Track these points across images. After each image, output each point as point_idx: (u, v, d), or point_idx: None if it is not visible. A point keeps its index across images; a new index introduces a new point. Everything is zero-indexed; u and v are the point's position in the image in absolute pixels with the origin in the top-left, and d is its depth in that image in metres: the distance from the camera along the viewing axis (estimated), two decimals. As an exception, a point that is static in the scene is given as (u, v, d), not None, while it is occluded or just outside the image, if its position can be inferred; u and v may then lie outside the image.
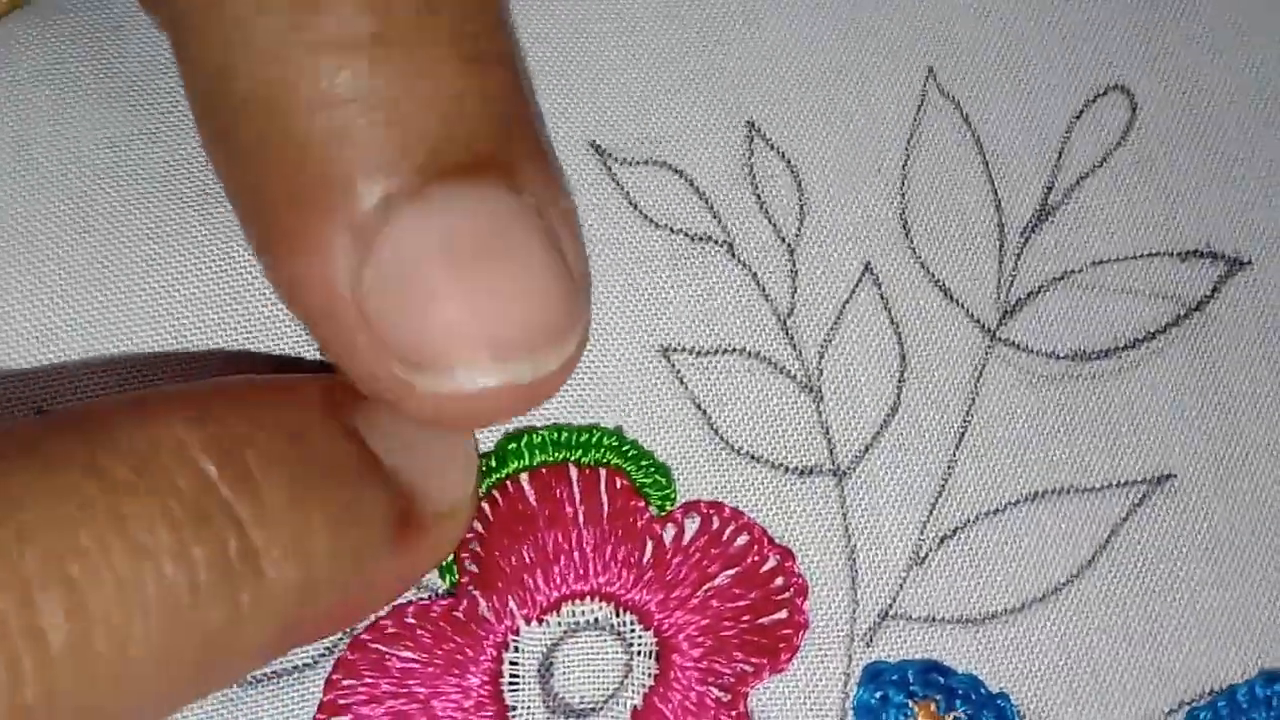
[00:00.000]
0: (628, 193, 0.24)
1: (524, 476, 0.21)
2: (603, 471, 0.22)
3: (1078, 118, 0.25)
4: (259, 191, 0.19)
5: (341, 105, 0.18)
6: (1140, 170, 0.25)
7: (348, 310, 0.18)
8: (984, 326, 0.24)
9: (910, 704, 0.21)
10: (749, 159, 0.24)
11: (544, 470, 0.22)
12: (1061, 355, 0.24)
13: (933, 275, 0.24)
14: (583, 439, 0.22)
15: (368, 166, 0.18)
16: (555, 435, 0.22)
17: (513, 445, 0.22)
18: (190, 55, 0.19)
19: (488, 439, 0.22)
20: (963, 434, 0.23)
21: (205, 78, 0.19)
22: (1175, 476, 0.23)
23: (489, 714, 0.21)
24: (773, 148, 0.24)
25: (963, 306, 0.24)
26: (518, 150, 0.19)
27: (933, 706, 0.22)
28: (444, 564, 0.21)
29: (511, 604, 0.21)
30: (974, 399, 0.23)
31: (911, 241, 0.24)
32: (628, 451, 0.22)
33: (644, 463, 0.22)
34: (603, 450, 0.22)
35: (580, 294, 0.19)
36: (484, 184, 0.18)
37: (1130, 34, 0.26)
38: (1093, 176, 0.25)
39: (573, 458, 0.22)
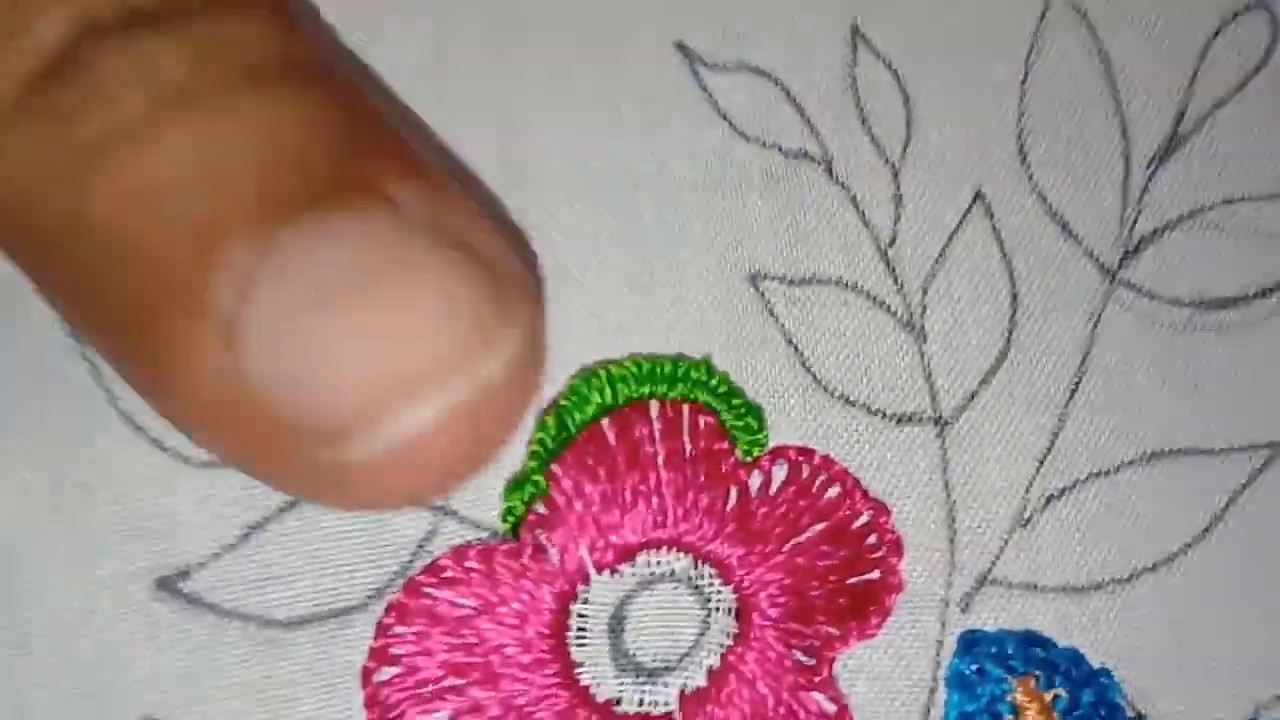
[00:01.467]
0: (716, 101, 0.21)
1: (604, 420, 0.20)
2: (686, 408, 0.20)
3: (1215, 37, 0.23)
4: (99, 323, 0.16)
5: (150, 189, 0.15)
6: (1281, 98, 0.23)
7: (239, 408, 0.15)
8: (1104, 266, 0.22)
9: (1009, 679, 0.20)
10: (852, 68, 0.22)
11: (624, 408, 0.20)
12: (1186, 302, 0.22)
13: (1050, 207, 0.22)
14: (667, 371, 0.20)
15: (201, 244, 0.15)
16: (637, 367, 0.20)
17: (594, 379, 0.20)
18: None
19: (555, 381, 0.20)
20: (1077, 385, 0.21)
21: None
22: (1304, 441, 0.21)
23: (551, 671, 0.19)
24: (879, 57, 0.22)
25: (1081, 243, 0.22)
26: (368, 158, 0.16)
27: (1032, 682, 0.20)
28: (509, 506, 0.20)
29: (583, 551, 0.19)
30: (1090, 347, 0.21)
31: (1029, 168, 0.22)
32: (717, 388, 0.20)
33: (734, 402, 0.20)
34: (689, 384, 0.20)
35: (506, 280, 0.16)
36: (335, 206, 0.15)
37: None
38: (1229, 104, 0.23)
39: (657, 392, 0.20)
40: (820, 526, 0.20)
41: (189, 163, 0.15)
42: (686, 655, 0.19)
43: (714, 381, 0.20)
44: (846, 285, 0.21)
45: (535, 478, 0.19)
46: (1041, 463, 0.21)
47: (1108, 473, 0.21)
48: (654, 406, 0.20)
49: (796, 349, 0.21)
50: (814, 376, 0.21)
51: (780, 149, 0.21)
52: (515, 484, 0.19)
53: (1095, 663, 0.20)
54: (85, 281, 0.16)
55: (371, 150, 0.16)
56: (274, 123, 0.15)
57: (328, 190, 0.15)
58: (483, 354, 0.15)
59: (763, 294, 0.21)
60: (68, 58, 0.15)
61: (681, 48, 0.21)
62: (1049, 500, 0.21)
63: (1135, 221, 0.22)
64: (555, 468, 0.19)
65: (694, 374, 0.20)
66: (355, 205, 0.15)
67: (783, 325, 0.21)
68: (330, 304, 0.15)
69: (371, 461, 0.15)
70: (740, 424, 0.20)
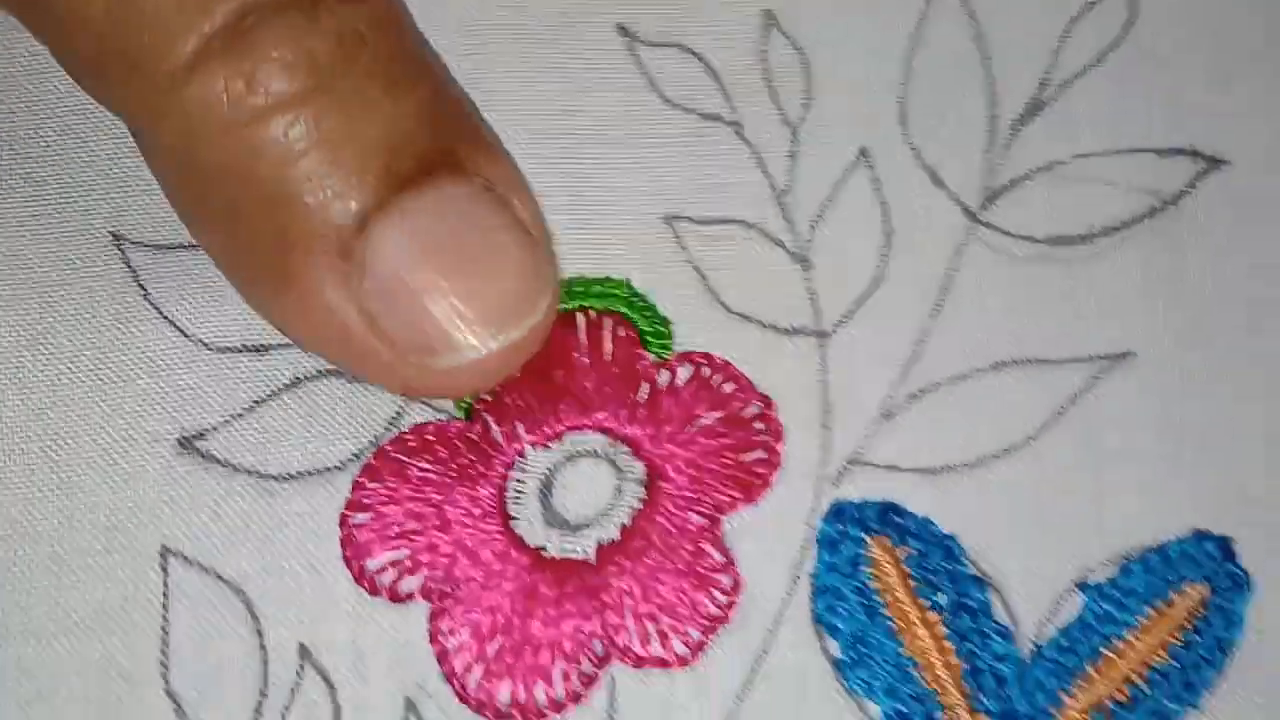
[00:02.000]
0: (648, 73, 0.26)
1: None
2: (609, 319, 0.25)
3: (1078, 18, 0.27)
4: (243, 248, 0.22)
5: (300, 155, 0.21)
6: (1132, 70, 0.26)
7: (355, 325, 0.21)
8: (967, 210, 0.26)
9: (866, 537, 0.24)
10: (764, 46, 0.26)
11: (559, 317, 0.25)
12: (1038, 239, 0.26)
13: (923, 161, 0.26)
14: (594, 289, 0.25)
15: (336, 199, 0.21)
16: (571, 286, 0.25)
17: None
18: (151, 141, 0.21)
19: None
20: (939, 306, 0.25)
21: (169, 159, 0.21)
22: (1135, 354, 0.25)
23: (494, 522, 0.24)
24: (786, 36, 0.26)
25: (949, 190, 0.26)
26: (459, 141, 0.22)
27: (887, 540, 0.24)
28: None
29: (520, 430, 0.24)
30: (952, 275, 0.25)
31: (907, 129, 0.26)
32: (635, 302, 0.25)
33: (648, 313, 0.25)
34: (612, 299, 0.25)
35: (542, 249, 0.22)
36: (438, 181, 0.21)
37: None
38: (1086, 74, 0.26)
39: (585, 305, 0.25)
40: (717, 414, 0.24)
41: (332, 136, 0.21)
42: (603, 514, 0.24)
43: (633, 297, 0.25)
44: (747, 224, 0.25)
45: None
46: (906, 368, 0.25)
47: (963, 377, 0.25)
48: (581, 317, 0.25)
49: (703, 275, 0.25)
50: (717, 298, 0.25)
51: (699, 113, 0.26)
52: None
53: (944, 530, 0.24)
54: (235, 219, 0.21)
55: (461, 133, 0.22)
56: (395, 110, 0.21)
57: (430, 169, 0.21)
58: (532, 307, 0.22)
59: (676, 231, 0.25)
60: (237, 30, 0.20)
61: (622, 29, 0.26)
62: (911, 398, 0.25)
63: (998, 172, 0.26)
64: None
65: (616, 291, 0.25)
66: (450, 181, 0.21)
67: (692, 256, 0.25)
68: (427, 257, 0.21)
69: (445, 371, 0.22)
70: (652, 331, 0.25)
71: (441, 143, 0.22)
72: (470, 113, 0.23)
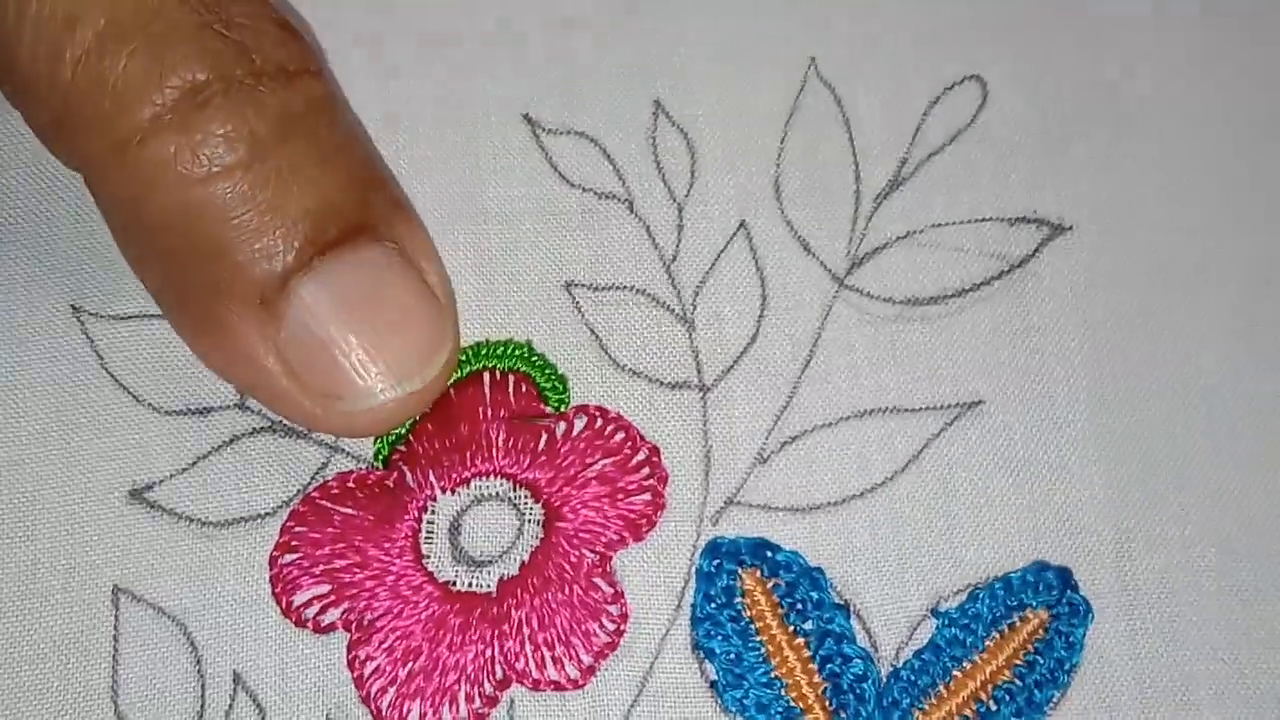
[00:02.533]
0: (549, 156, 0.29)
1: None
2: (511, 377, 0.28)
3: (935, 103, 0.30)
4: (180, 293, 0.25)
5: (235, 217, 0.24)
6: (984, 147, 0.30)
7: (272, 368, 0.24)
8: (834, 275, 0.29)
9: (739, 570, 0.27)
10: (653, 132, 0.29)
11: (466, 377, 0.28)
12: (898, 301, 0.29)
13: (795, 232, 0.29)
14: (499, 351, 0.28)
15: (263, 259, 0.24)
16: (477, 349, 0.28)
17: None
18: (105, 191, 0.24)
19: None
20: (808, 361, 0.28)
21: (121, 207, 0.24)
22: (985, 403, 0.28)
23: (409, 559, 0.27)
24: (673, 123, 0.29)
25: (817, 258, 0.29)
26: (378, 209, 0.25)
27: (758, 573, 0.27)
28: (379, 446, 0.27)
29: (432, 477, 0.27)
30: (820, 333, 0.29)
31: (781, 204, 0.29)
32: (535, 361, 0.28)
33: (547, 371, 0.28)
34: (515, 359, 0.28)
35: (447, 311, 0.26)
36: (356, 247, 0.24)
37: (992, 31, 0.30)
38: (942, 153, 0.30)
39: (489, 365, 0.28)
40: (609, 461, 0.27)
41: (265, 203, 0.24)
42: (505, 552, 0.27)
43: (534, 357, 0.28)
44: (637, 291, 0.29)
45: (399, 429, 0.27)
46: (778, 417, 0.28)
47: (830, 424, 0.28)
48: (487, 376, 0.28)
49: (597, 336, 0.28)
50: (610, 356, 0.28)
51: (595, 192, 0.29)
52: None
53: (812, 563, 0.27)
54: (175, 267, 0.24)
55: (379, 203, 0.25)
56: (322, 182, 0.25)
57: (350, 234, 0.25)
58: (430, 362, 0.25)
59: (574, 297, 0.28)
60: (189, 106, 0.23)
61: (526, 117, 0.29)
62: (783, 445, 0.28)
63: (862, 241, 0.29)
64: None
65: (518, 352, 0.28)
66: (366, 246, 0.25)
67: (588, 319, 0.28)
68: (340, 314, 0.24)
69: (350, 414, 0.25)
70: (550, 386, 0.28)
71: (362, 210, 0.25)
72: (389, 184, 0.26)
